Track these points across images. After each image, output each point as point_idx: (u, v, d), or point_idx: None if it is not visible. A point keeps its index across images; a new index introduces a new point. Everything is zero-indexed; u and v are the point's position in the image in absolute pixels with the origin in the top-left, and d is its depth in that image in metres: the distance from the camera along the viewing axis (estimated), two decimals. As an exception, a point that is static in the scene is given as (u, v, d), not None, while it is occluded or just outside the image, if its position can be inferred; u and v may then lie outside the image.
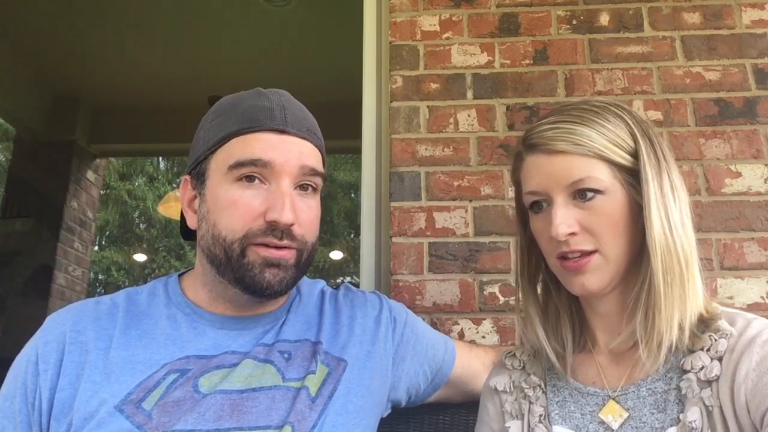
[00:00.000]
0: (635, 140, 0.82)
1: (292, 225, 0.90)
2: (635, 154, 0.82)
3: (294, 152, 0.92)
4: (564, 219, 0.80)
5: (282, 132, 0.92)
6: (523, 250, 0.94)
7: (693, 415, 0.74)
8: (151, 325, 0.95)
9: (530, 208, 0.87)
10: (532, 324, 0.91)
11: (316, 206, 0.96)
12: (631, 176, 0.81)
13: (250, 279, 0.90)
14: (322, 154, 0.99)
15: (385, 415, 1.07)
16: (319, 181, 0.96)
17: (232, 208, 0.90)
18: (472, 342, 1.39)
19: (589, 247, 0.80)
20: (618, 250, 0.81)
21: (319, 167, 0.96)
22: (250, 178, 0.90)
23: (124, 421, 0.84)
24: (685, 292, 0.79)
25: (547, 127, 0.84)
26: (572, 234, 0.80)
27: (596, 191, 0.80)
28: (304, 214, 0.92)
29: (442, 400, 1.14)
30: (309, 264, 0.96)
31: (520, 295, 0.94)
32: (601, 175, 0.80)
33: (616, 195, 0.81)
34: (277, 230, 0.89)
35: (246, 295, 0.93)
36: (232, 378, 0.90)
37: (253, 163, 0.89)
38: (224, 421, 0.85)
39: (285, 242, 0.90)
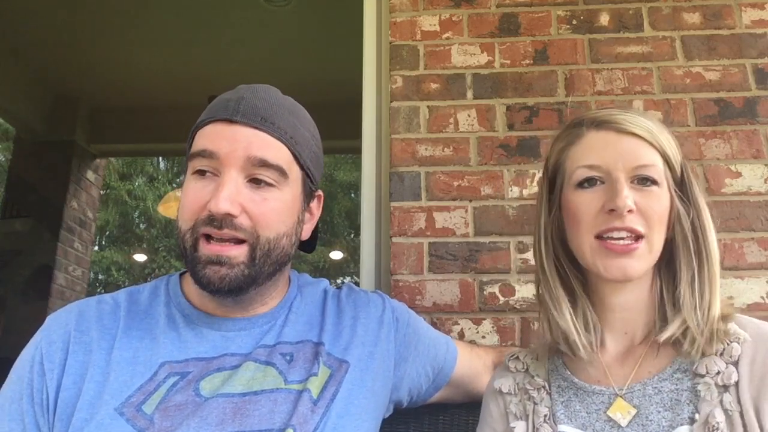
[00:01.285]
0: (681, 155, 0.89)
1: (228, 214, 0.86)
2: (681, 166, 0.88)
3: (241, 142, 0.89)
4: (629, 194, 0.83)
5: (230, 122, 0.90)
6: (547, 233, 0.94)
7: (719, 416, 0.76)
8: (152, 325, 0.94)
9: (579, 184, 0.88)
10: (559, 304, 0.91)
11: (275, 199, 0.91)
12: (675, 184, 0.87)
13: (197, 274, 0.89)
14: (289, 147, 0.93)
15: (387, 415, 1.07)
16: (273, 174, 0.90)
17: (185, 200, 0.90)
18: (473, 342, 1.39)
19: (641, 229, 0.84)
20: (659, 242, 0.86)
21: (276, 159, 0.90)
22: (202, 172, 0.90)
23: (125, 425, 0.83)
24: (719, 291, 0.85)
25: (615, 112, 0.89)
26: (630, 211, 0.83)
27: (654, 181, 0.85)
28: (255, 207, 0.89)
29: (444, 400, 1.14)
30: (271, 262, 0.91)
31: (548, 275, 0.93)
32: (661, 168, 0.86)
33: (665, 192, 0.86)
34: (216, 220, 0.86)
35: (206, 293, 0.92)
36: (234, 381, 0.89)
37: (200, 154, 0.89)
38: (227, 425, 0.85)
39: (225, 231, 0.87)
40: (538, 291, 0.96)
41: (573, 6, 1.66)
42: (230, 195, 0.86)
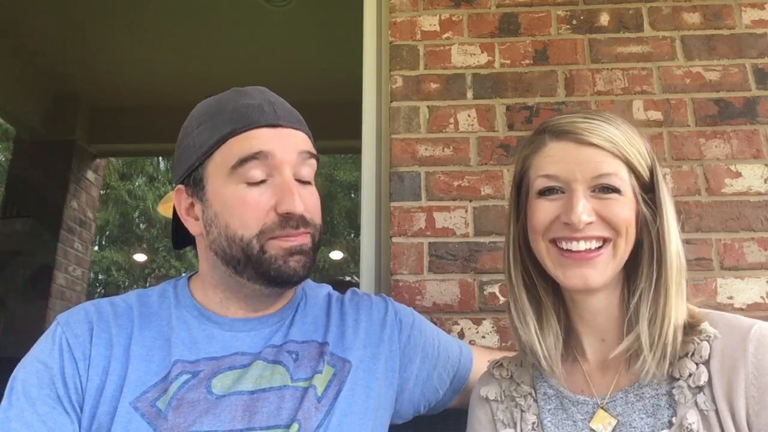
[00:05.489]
0: (652, 159, 0.87)
1: (302, 215, 0.92)
2: (651, 171, 0.86)
3: (291, 143, 0.94)
4: (585, 209, 0.82)
5: (276, 126, 0.94)
6: (515, 240, 0.94)
7: (692, 417, 0.76)
8: (163, 326, 0.96)
9: (539, 193, 0.87)
10: (524, 315, 0.91)
11: (315, 191, 0.99)
12: (642, 190, 0.85)
13: (275, 271, 0.91)
14: (313, 143, 1.01)
15: (402, 421, 1.09)
16: (314, 162, 0.98)
17: (242, 207, 0.91)
18: (474, 344, 1.39)
19: (606, 234, 0.83)
20: (626, 248, 0.84)
21: (313, 150, 0.99)
22: (254, 176, 0.92)
23: (140, 419, 0.85)
24: (681, 301, 0.83)
25: (579, 120, 0.87)
26: (589, 224, 0.82)
27: (616, 190, 0.83)
28: (309, 200, 0.95)
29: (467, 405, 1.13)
30: (318, 247, 0.99)
31: (514, 285, 0.93)
32: (625, 177, 0.84)
33: (630, 200, 0.84)
34: (293, 221, 0.91)
35: (269, 288, 0.94)
36: (244, 379, 0.91)
37: (255, 156, 0.91)
38: (237, 422, 0.87)
39: (302, 230, 0.92)
40: (507, 302, 0.95)
41: (573, 6, 1.66)
42: (300, 196, 0.92)
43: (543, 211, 0.86)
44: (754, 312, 1.38)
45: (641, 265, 0.85)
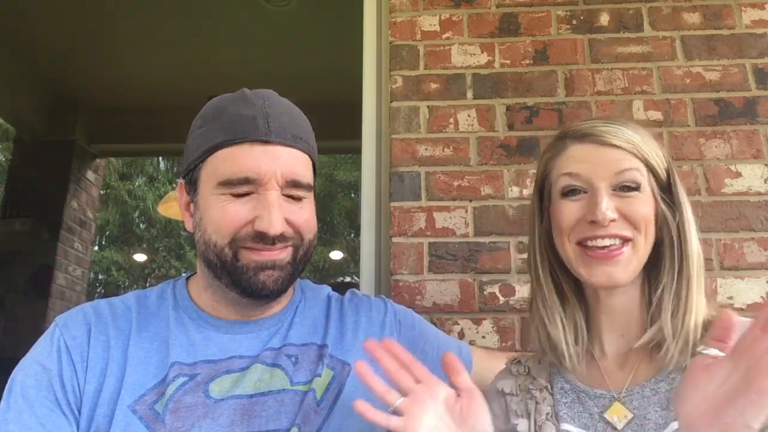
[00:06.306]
0: (668, 162, 0.92)
1: (282, 234, 0.90)
2: (667, 172, 0.91)
3: (279, 163, 0.91)
4: (608, 206, 0.85)
5: (266, 142, 0.91)
6: (541, 241, 0.97)
7: None
8: (162, 327, 0.95)
9: (563, 194, 0.90)
10: (552, 315, 0.93)
11: (308, 204, 0.97)
12: (660, 190, 0.89)
13: (245, 282, 0.91)
14: (311, 157, 0.98)
15: None
16: (306, 186, 0.95)
17: (221, 215, 0.91)
18: (488, 348, 1.39)
19: (627, 233, 0.86)
20: (646, 246, 0.87)
21: (306, 176, 0.95)
22: (238, 190, 0.91)
23: (138, 423, 0.85)
24: (701, 296, 0.86)
25: (599, 124, 0.91)
26: (612, 221, 0.85)
27: (637, 187, 0.87)
28: (295, 215, 0.93)
29: None
30: (306, 260, 0.97)
31: (543, 285, 0.95)
32: (644, 175, 0.88)
33: (649, 197, 0.88)
34: (267, 238, 0.90)
35: (245, 299, 0.94)
36: (243, 383, 0.91)
37: (240, 182, 0.90)
38: (235, 426, 0.87)
39: (279, 245, 0.91)
40: (531, 301, 0.98)
41: (573, 6, 1.66)
42: (280, 216, 0.90)
43: (568, 211, 0.89)
44: (754, 312, 1.37)
45: (663, 260, 0.88)
